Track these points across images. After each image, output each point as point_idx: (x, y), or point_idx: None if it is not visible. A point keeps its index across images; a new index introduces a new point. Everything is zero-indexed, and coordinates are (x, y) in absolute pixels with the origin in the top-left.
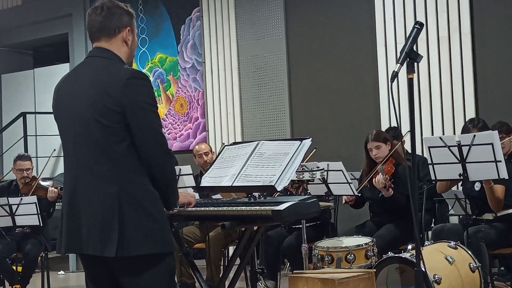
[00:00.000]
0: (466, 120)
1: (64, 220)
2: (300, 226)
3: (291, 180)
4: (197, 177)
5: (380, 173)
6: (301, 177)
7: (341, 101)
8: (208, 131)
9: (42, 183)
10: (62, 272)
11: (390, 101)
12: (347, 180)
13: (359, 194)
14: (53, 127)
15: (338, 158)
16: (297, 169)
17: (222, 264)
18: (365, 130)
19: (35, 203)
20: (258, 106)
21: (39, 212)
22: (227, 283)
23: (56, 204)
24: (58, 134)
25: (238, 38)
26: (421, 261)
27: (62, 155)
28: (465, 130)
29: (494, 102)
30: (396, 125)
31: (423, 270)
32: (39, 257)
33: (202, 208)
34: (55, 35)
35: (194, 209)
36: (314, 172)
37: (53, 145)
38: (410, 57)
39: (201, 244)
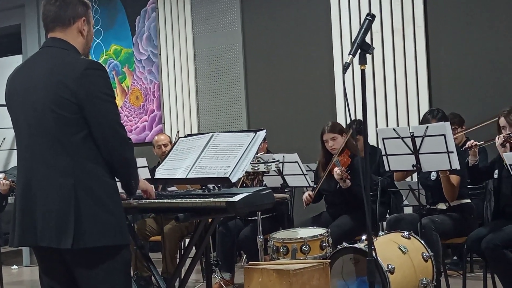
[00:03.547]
0: (420, 111)
1: (17, 213)
2: (256, 218)
3: (246, 172)
4: (154, 169)
5: (336, 165)
6: (256, 168)
7: (297, 93)
8: (164, 123)
9: None
10: (15, 266)
11: (345, 93)
12: (302, 172)
13: (316, 188)
14: (5, 120)
15: (293, 150)
16: (252, 161)
17: (178, 256)
18: (320, 121)
19: None
20: (214, 98)
21: None
22: (182, 275)
23: (9, 197)
24: (11, 126)
25: (194, 30)
26: (373, 251)
27: (15, 148)
28: (424, 120)
29: (447, 93)
30: (351, 117)
31: (376, 259)
32: None
33: (156, 200)
34: (7, 26)
35: (148, 201)
36: (269, 164)
37: (6, 138)
38: (362, 48)
39: (157, 237)
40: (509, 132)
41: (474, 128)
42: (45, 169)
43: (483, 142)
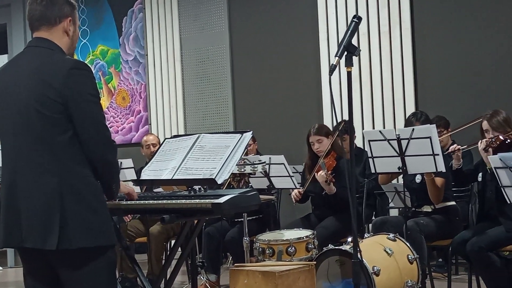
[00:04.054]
0: (406, 113)
1: (2, 214)
2: (242, 219)
3: (233, 173)
4: (141, 170)
5: (322, 168)
6: (242, 170)
7: (284, 94)
8: (150, 124)
9: None
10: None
11: (331, 95)
12: (289, 174)
13: (304, 188)
14: None
15: (280, 151)
16: (239, 162)
17: (164, 258)
18: (307, 123)
19: None
20: (201, 99)
21: None
22: (167, 277)
23: None
24: None
25: (181, 30)
26: (359, 253)
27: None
28: (408, 123)
29: (433, 96)
30: (337, 119)
31: (362, 261)
32: None
33: (142, 202)
34: None
35: (133, 202)
36: (256, 165)
37: None
38: (348, 50)
39: (143, 238)
40: (492, 135)
41: (457, 130)
42: (30, 169)
43: (466, 146)
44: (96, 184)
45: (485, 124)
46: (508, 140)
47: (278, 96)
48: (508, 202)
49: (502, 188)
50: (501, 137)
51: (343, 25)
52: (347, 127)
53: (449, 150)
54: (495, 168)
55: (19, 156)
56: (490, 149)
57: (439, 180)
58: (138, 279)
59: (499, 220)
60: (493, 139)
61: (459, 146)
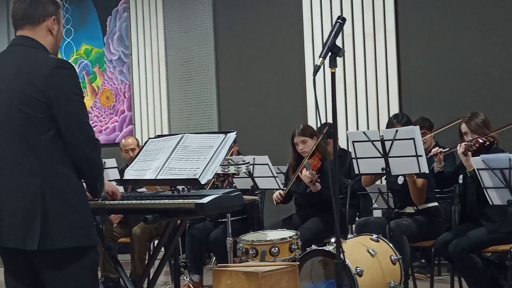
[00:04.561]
0: (390, 115)
1: None
2: (226, 219)
3: (217, 173)
4: (123, 171)
5: (307, 168)
6: (226, 170)
7: (268, 95)
8: (134, 124)
9: None
10: None
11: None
12: (273, 174)
13: (287, 188)
14: None
15: (264, 152)
16: (222, 163)
17: (147, 258)
18: (291, 124)
19: None
20: (186, 99)
21: None
22: (150, 277)
23: None
24: None
25: (166, 30)
26: (342, 254)
27: None
28: (389, 125)
29: (417, 98)
30: (321, 120)
31: (345, 262)
32: None
33: (125, 202)
34: None
35: (116, 202)
36: (240, 166)
37: None
38: (332, 51)
39: (126, 238)
40: (471, 138)
41: (438, 131)
42: (12, 169)
43: (447, 149)
44: (79, 184)
45: (463, 127)
46: (487, 143)
47: (262, 97)
48: (490, 204)
49: (484, 189)
50: (480, 140)
51: (328, 26)
52: (331, 132)
53: (431, 153)
54: (477, 169)
55: (1, 156)
56: (470, 153)
57: (420, 181)
58: (120, 279)
59: (480, 221)
60: (472, 143)
61: (441, 149)
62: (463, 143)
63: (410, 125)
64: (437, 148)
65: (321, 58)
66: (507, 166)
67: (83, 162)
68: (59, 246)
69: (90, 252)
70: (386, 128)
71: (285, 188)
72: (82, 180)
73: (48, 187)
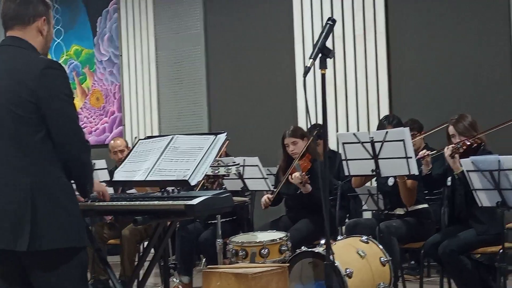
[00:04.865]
0: (380, 116)
1: None
2: (216, 221)
3: (207, 174)
4: (112, 172)
5: (297, 169)
6: (216, 172)
7: (259, 96)
8: (124, 125)
9: None
10: None
11: (305, 97)
12: (263, 175)
13: (276, 191)
14: None
15: (254, 153)
16: (213, 164)
17: (136, 259)
18: (282, 125)
19: None
20: (176, 100)
21: None
22: (140, 278)
23: None
24: None
25: (156, 31)
26: (332, 255)
27: None
28: (380, 126)
29: (407, 99)
30: (311, 121)
31: (334, 263)
32: None
33: (115, 203)
34: None
35: (106, 203)
36: (230, 167)
37: None
38: (322, 52)
39: (115, 240)
40: (459, 140)
41: (427, 133)
42: (2, 169)
43: (435, 151)
44: (68, 184)
45: (451, 129)
46: (475, 145)
47: (253, 98)
48: (479, 205)
49: (473, 191)
50: (467, 142)
51: (319, 28)
52: (321, 134)
53: (418, 156)
54: (467, 171)
55: None
56: (457, 155)
57: (410, 182)
58: (110, 281)
59: (469, 223)
60: (459, 145)
61: (428, 152)
62: (450, 146)
63: (400, 126)
64: (424, 151)
65: (311, 60)
66: (496, 168)
67: (73, 162)
68: (49, 247)
69: (80, 253)
70: (377, 129)
71: (274, 190)
72: (72, 181)
73: (38, 187)
